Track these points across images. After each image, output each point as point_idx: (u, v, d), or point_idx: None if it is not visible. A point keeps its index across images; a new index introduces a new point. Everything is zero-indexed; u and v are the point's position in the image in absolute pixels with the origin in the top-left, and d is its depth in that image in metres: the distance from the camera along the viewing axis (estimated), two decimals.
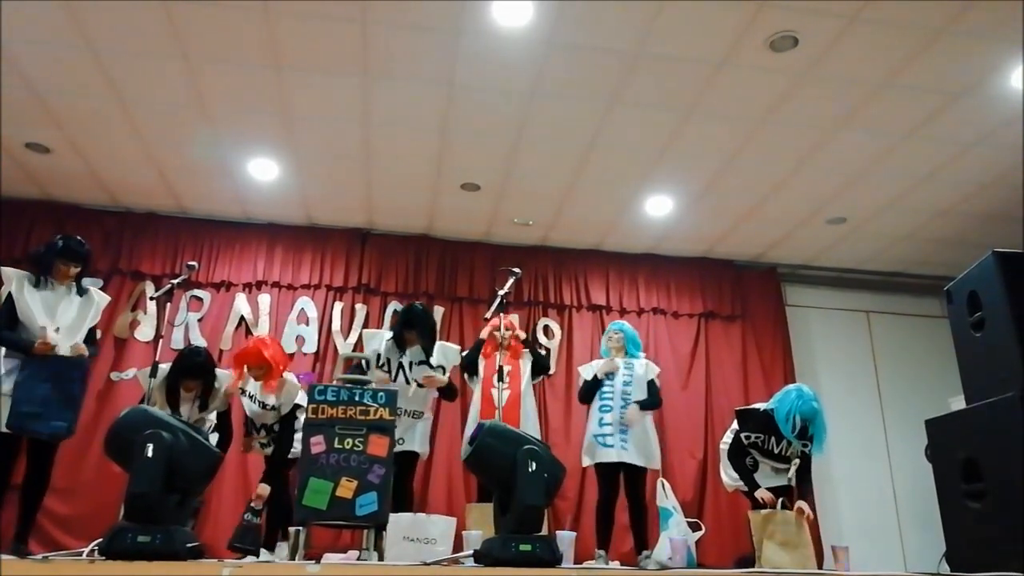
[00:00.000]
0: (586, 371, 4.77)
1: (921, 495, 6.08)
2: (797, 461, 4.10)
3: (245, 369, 4.26)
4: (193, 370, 4.01)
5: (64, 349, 3.78)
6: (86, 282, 4.10)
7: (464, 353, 4.79)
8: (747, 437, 4.20)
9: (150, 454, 2.40)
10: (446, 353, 4.63)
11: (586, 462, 4.59)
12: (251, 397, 4.36)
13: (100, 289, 5.39)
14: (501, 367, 4.28)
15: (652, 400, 4.58)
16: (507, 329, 4.77)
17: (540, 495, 2.57)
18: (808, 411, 4.04)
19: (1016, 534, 2.44)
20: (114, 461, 2.62)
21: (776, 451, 4.16)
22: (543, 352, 5.66)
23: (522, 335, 4.91)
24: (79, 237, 4.08)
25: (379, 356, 4.47)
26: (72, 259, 3.92)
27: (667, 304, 6.71)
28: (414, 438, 4.44)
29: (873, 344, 7.01)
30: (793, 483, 4.12)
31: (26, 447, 3.82)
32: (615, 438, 4.43)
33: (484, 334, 4.81)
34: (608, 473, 4.46)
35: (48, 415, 3.65)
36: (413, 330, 4.47)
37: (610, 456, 4.40)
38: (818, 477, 6.24)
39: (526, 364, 4.76)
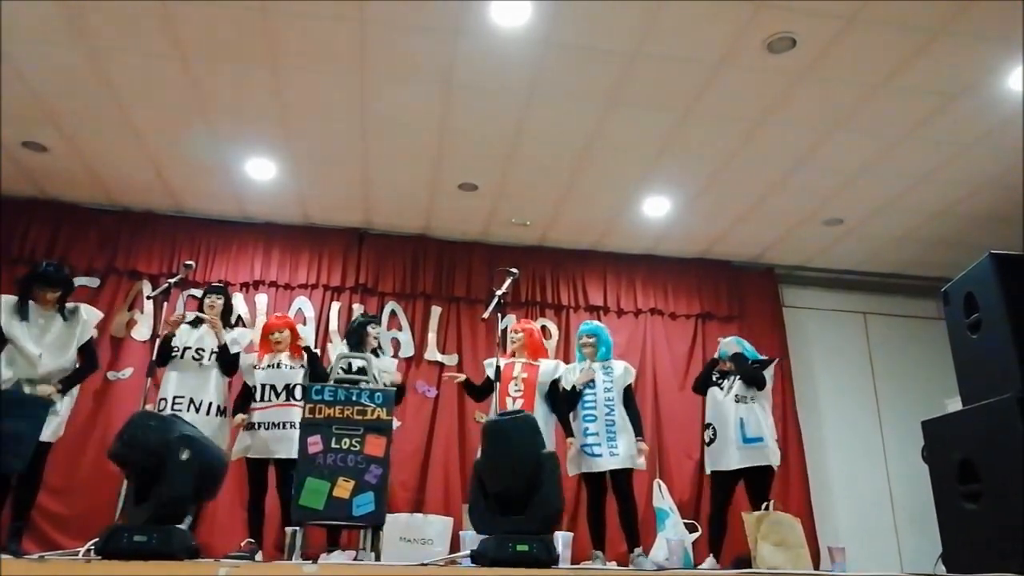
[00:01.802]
0: (565, 377, 4.71)
1: (917, 496, 6.08)
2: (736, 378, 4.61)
3: (271, 339, 4.63)
4: (210, 288, 4.74)
5: (44, 378, 3.91)
6: (84, 309, 4.24)
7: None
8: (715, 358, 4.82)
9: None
10: (388, 366, 4.93)
11: (572, 471, 4.55)
12: (272, 367, 4.55)
13: (96, 289, 5.42)
14: (498, 367, 4.29)
15: (635, 417, 4.58)
16: (515, 332, 4.79)
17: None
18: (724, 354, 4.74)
19: (1012, 535, 2.44)
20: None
21: (726, 382, 4.67)
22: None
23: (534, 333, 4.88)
24: (57, 263, 4.23)
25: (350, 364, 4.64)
26: (49, 285, 4.03)
27: (664, 305, 6.71)
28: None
29: (870, 345, 7.02)
30: (742, 391, 4.56)
31: None
32: (603, 447, 4.42)
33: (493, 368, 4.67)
34: (596, 480, 4.47)
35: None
36: (376, 323, 4.86)
37: (600, 466, 4.40)
38: (815, 478, 6.30)
39: (547, 370, 4.70)
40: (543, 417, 4.52)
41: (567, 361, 6.29)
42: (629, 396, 4.62)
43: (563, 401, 4.65)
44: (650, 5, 3.93)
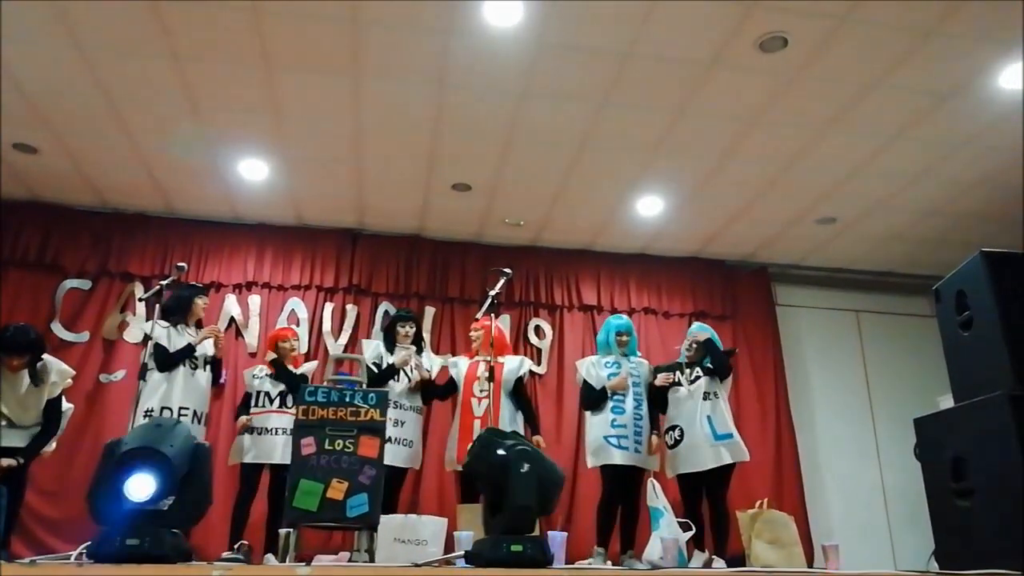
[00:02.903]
0: (586, 369, 4.72)
1: (910, 493, 6.11)
2: (703, 374, 4.58)
3: (277, 346, 4.76)
4: (200, 289, 4.85)
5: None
6: (55, 371, 4.05)
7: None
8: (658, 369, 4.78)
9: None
10: (432, 360, 4.93)
11: (592, 463, 4.57)
12: (270, 376, 4.69)
13: (88, 291, 5.35)
14: (492, 367, 4.28)
15: (654, 412, 4.67)
16: (475, 330, 4.80)
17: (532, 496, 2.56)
18: (695, 330, 4.76)
19: (1004, 531, 2.46)
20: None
21: (688, 378, 4.60)
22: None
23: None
24: (24, 325, 3.97)
25: (381, 358, 4.66)
26: (14, 351, 3.81)
27: (658, 304, 6.72)
28: (413, 446, 4.59)
29: (862, 343, 7.04)
30: (711, 387, 4.56)
31: None
32: (630, 440, 4.44)
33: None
34: (616, 474, 4.47)
35: None
36: (408, 322, 4.81)
37: (625, 459, 4.41)
38: (808, 476, 6.32)
39: (512, 367, 4.71)
40: (509, 415, 4.54)
41: (561, 361, 6.33)
42: (649, 392, 4.70)
43: (592, 400, 4.62)
44: (642, 5, 3.93)
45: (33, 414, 3.93)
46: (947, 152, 5.18)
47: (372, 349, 4.79)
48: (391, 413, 4.44)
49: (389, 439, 4.40)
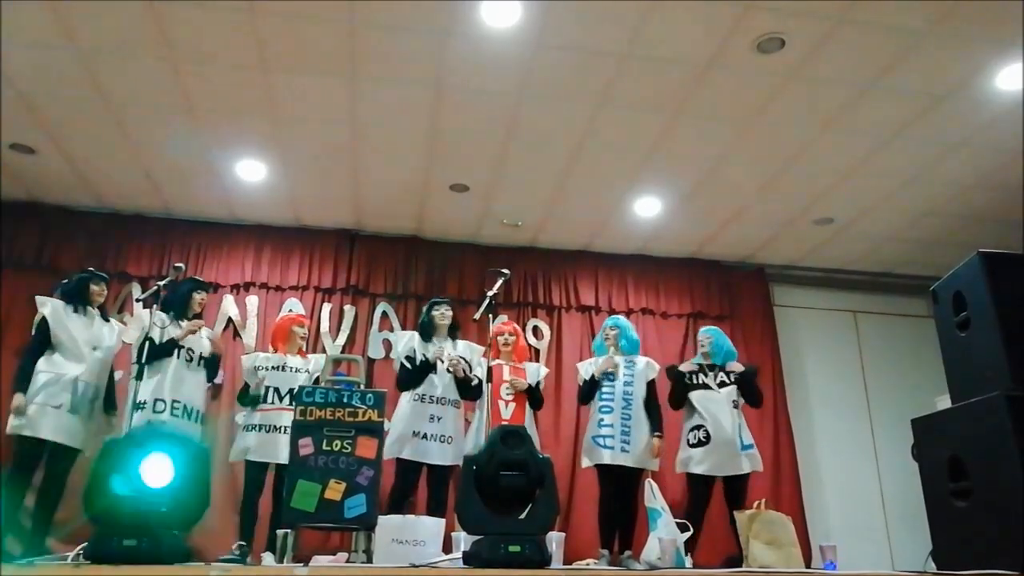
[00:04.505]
0: (585, 369, 4.77)
1: (908, 494, 6.10)
2: (729, 382, 4.67)
3: (291, 331, 4.75)
4: (201, 284, 4.77)
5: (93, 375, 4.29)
6: (114, 318, 4.69)
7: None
8: (680, 370, 4.81)
9: None
10: (473, 350, 4.74)
11: (585, 463, 4.62)
12: (278, 368, 4.58)
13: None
14: (489, 368, 4.28)
15: (654, 413, 4.62)
16: (511, 335, 4.76)
17: None
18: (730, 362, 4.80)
19: (1001, 531, 2.46)
20: None
21: (713, 381, 4.67)
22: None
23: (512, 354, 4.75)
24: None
25: (414, 351, 4.51)
26: (103, 280, 4.50)
27: (656, 305, 6.72)
28: (453, 442, 4.46)
29: (860, 344, 7.05)
30: (738, 397, 4.67)
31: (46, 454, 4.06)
32: (615, 440, 4.44)
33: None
34: (609, 473, 4.47)
35: None
36: (443, 305, 4.70)
37: (613, 459, 4.42)
38: (806, 476, 6.33)
39: (532, 372, 4.73)
40: (528, 419, 4.55)
41: (559, 362, 6.33)
42: (651, 391, 4.66)
43: (583, 392, 4.69)
44: (640, 6, 3.93)
45: (110, 356, 4.42)
46: (944, 153, 5.19)
47: (405, 341, 4.59)
48: (428, 409, 4.36)
49: (424, 435, 4.33)
